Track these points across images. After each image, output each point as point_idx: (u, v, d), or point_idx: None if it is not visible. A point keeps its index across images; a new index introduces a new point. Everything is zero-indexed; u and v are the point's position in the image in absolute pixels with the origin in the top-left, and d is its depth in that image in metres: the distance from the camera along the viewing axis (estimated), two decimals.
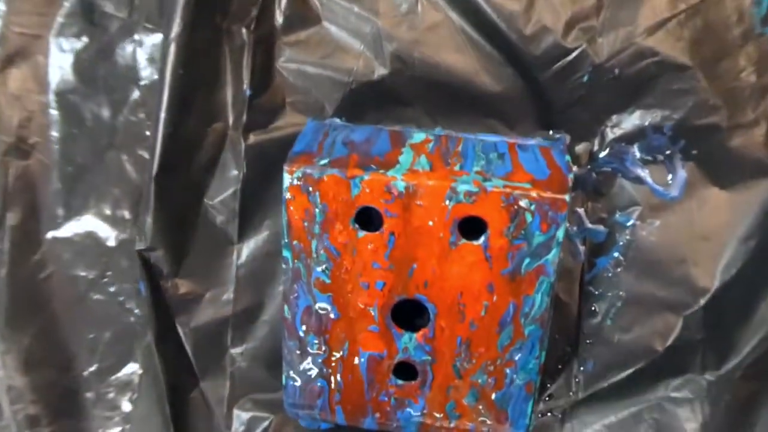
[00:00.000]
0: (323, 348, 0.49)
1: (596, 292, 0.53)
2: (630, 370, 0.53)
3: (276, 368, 0.55)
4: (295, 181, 0.44)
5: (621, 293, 0.53)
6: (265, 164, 0.53)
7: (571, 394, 0.55)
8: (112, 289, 0.57)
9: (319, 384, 0.50)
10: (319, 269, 0.46)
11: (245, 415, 0.57)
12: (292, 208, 0.45)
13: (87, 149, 0.54)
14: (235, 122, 0.53)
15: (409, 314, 0.49)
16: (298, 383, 0.50)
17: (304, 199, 0.44)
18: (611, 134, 0.50)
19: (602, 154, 0.51)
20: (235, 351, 0.57)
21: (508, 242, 0.44)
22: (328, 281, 0.47)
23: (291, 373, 0.50)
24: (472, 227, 0.44)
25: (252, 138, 0.53)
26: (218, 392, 0.57)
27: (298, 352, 0.49)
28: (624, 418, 0.54)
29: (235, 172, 0.53)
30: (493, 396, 0.48)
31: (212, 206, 0.54)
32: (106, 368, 0.58)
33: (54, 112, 0.53)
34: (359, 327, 0.48)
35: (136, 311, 0.57)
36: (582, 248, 0.52)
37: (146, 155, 0.53)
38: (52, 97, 0.53)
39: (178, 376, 0.56)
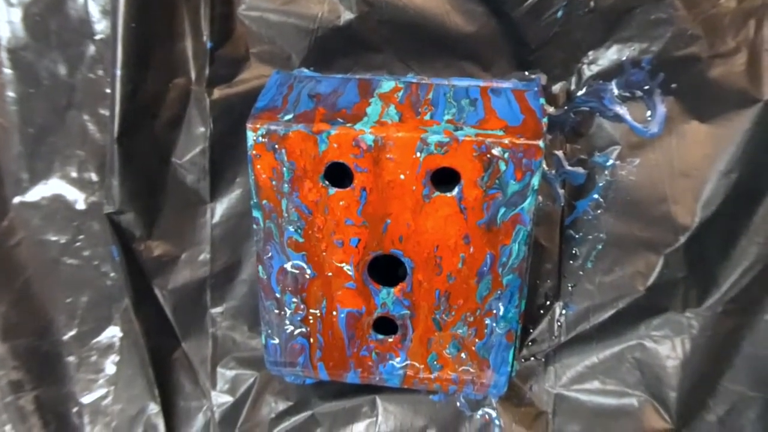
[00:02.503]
0: (301, 307, 0.48)
1: (576, 236, 0.52)
2: (611, 312, 0.53)
3: (257, 326, 0.55)
4: (260, 139, 0.42)
5: (601, 235, 0.52)
6: (233, 119, 0.51)
7: (553, 338, 0.55)
8: (85, 253, 0.56)
9: (299, 342, 0.50)
10: (291, 228, 0.45)
11: (229, 374, 0.58)
12: (258, 167, 0.43)
13: (46, 109, 0.52)
14: (197, 76, 0.50)
15: (386, 267, 0.48)
16: (278, 342, 0.50)
17: (271, 158, 0.43)
18: (588, 71, 0.49)
19: (580, 93, 0.49)
20: (216, 311, 0.57)
21: (482, 192, 0.43)
22: (301, 240, 0.45)
23: (270, 332, 0.50)
24: (445, 178, 0.43)
25: (217, 93, 0.51)
26: (201, 352, 0.57)
27: (276, 311, 0.49)
28: (606, 358, 0.55)
29: (201, 129, 0.52)
30: (475, 346, 0.48)
31: (181, 165, 0.53)
32: (86, 332, 0.58)
33: (8, 71, 0.51)
34: (336, 284, 0.47)
35: (112, 275, 0.56)
36: (561, 192, 0.51)
37: (108, 114, 0.51)
38: (4, 55, 0.51)
39: (160, 338, 0.56)
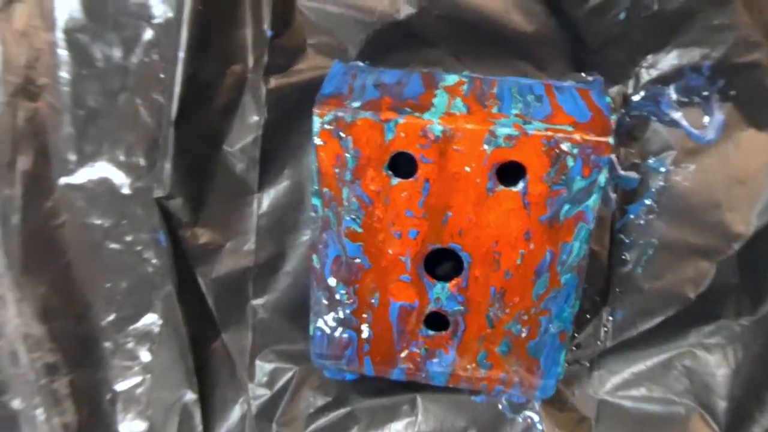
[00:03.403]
0: (353, 298, 0.48)
1: (627, 240, 0.52)
2: (660, 318, 0.52)
3: (298, 320, 0.54)
4: (326, 126, 0.42)
5: (653, 240, 0.52)
6: (286, 110, 0.51)
7: (599, 342, 0.54)
8: (128, 239, 0.55)
9: (347, 335, 0.49)
10: (349, 218, 0.45)
11: (268, 366, 0.57)
12: (322, 154, 0.43)
13: (98, 92, 0.52)
14: (255, 64, 0.50)
15: (439, 261, 0.48)
16: (326, 334, 0.49)
17: (336, 144, 0.43)
18: (647, 75, 0.48)
19: (636, 97, 0.49)
20: (257, 302, 0.56)
21: (547, 188, 0.42)
22: (359, 230, 0.45)
23: (319, 323, 0.49)
24: (508, 173, 0.43)
25: (273, 82, 0.50)
26: (240, 343, 0.57)
27: (326, 302, 0.48)
28: (653, 365, 0.54)
29: (255, 118, 0.51)
30: (527, 345, 0.48)
31: (231, 153, 0.52)
32: (124, 318, 0.57)
33: (62, 52, 0.51)
34: (390, 277, 0.46)
35: (154, 261, 0.56)
36: (613, 196, 0.51)
37: (161, 99, 0.51)
38: (60, 35, 0.50)
39: (199, 327, 0.56)
